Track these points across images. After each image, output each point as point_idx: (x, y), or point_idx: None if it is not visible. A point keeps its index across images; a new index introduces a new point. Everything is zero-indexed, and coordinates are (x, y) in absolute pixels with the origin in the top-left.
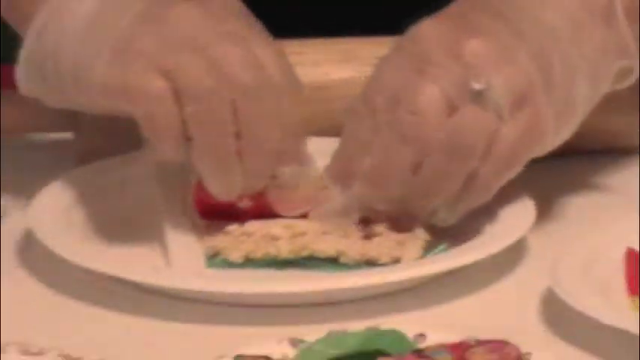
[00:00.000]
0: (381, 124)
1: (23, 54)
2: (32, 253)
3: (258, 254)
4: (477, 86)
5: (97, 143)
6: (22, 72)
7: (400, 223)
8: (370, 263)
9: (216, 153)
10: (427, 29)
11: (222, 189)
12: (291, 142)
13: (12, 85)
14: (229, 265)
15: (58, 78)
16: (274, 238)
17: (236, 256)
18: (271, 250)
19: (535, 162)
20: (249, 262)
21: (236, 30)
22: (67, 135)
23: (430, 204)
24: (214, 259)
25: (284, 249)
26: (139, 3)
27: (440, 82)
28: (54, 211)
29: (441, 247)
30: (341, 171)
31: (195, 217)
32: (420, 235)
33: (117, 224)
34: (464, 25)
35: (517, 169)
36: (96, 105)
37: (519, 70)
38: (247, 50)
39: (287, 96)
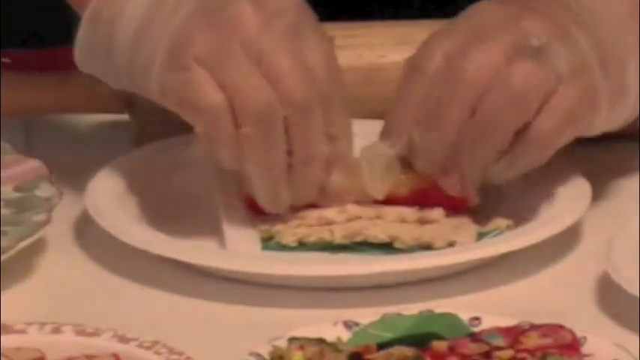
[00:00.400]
0: (437, 79)
1: (78, 37)
2: (89, 234)
3: (312, 239)
4: (536, 42)
5: (153, 125)
6: (77, 55)
7: (451, 181)
8: (424, 248)
9: (268, 171)
10: (483, 7)
11: (272, 205)
12: (340, 150)
13: (71, 65)
14: (283, 248)
15: (111, 66)
16: (328, 223)
17: (290, 239)
18: (325, 235)
19: (591, 145)
20: (302, 246)
21: (289, 25)
22: (124, 117)
23: (484, 153)
24: (269, 242)
25: (338, 234)
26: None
27: (498, 39)
28: (110, 193)
29: (497, 231)
30: (395, 126)
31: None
32: (473, 226)
33: (172, 206)
34: (520, 4)
35: (572, 133)
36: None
37: (576, 45)
38: (299, 59)
39: (336, 104)
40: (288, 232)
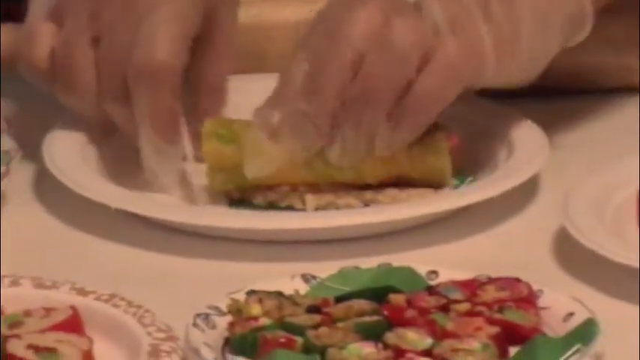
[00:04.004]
0: (318, 49)
1: None
2: (47, 188)
3: (283, 204)
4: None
5: None
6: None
7: (334, 151)
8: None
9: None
10: None
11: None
12: None
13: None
14: (254, 208)
15: None
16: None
17: (260, 200)
18: (296, 202)
19: (548, 98)
20: (271, 206)
21: None
22: None
23: (367, 117)
24: (238, 205)
25: (310, 203)
26: None
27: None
28: (69, 146)
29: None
30: (280, 96)
31: None
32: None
33: (132, 160)
34: None
35: (457, 88)
36: None
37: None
38: None
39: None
40: (259, 194)
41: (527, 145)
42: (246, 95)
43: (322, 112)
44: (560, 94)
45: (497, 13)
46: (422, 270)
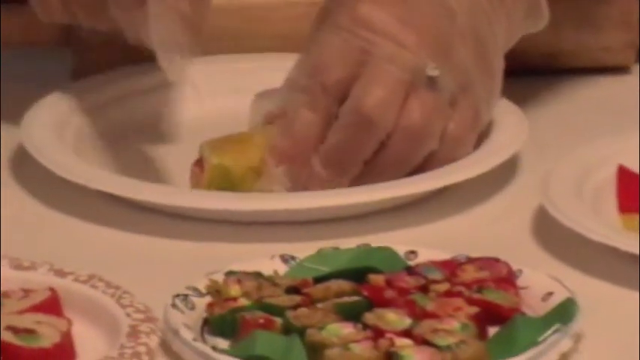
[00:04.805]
0: (332, 104)
1: None
2: (26, 168)
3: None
4: (433, 72)
5: (92, 58)
6: None
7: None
8: None
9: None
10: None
11: None
12: None
13: None
14: None
15: None
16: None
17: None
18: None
19: (528, 78)
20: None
21: None
22: (62, 49)
23: (388, 178)
24: None
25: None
26: None
27: (394, 64)
28: (47, 127)
29: None
30: (291, 148)
31: None
32: None
33: (111, 140)
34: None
35: (465, 153)
36: None
37: (459, 59)
38: None
39: None
40: None
41: (506, 125)
42: (241, 75)
43: (339, 185)
44: (539, 74)
45: (484, 60)
46: (401, 250)
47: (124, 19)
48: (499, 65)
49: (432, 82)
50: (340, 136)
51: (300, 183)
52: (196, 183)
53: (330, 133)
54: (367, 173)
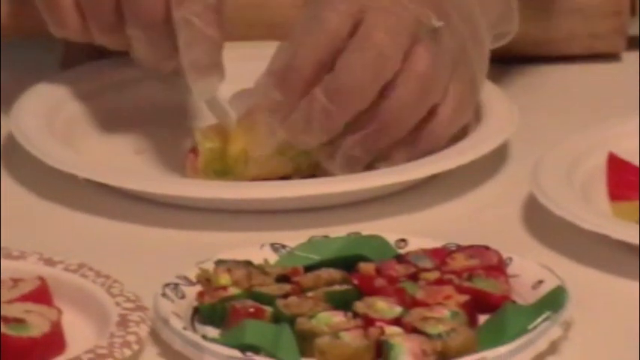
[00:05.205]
0: (338, 47)
1: None
2: (15, 157)
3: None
4: (437, 23)
5: (81, 47)
6: None
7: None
8: None
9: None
10: None
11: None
12: None
13: None
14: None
15: None
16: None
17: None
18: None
19: (518, 67)
20: None
21: None
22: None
23: (384, 140)
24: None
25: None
26: None
27: (396, 14)
28: (36, 116)
29: None
30: (291, 78)
31: None
32: None
33: (100, 129)
34: None
35: (461, 124)
36: None
37: (457, 31)
38: None
39: None
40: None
41: (496, 113)
42: (235, 64)
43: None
44: (529, 62)
45: (477, 39)
46: (391, 238)
47: (144, 36)
48: (487, 45)
49: (434, 37)
50: (348, 65)
51: (298, 124)
52: (192, 169)
53: (337, 63)
54: (370, 120)
